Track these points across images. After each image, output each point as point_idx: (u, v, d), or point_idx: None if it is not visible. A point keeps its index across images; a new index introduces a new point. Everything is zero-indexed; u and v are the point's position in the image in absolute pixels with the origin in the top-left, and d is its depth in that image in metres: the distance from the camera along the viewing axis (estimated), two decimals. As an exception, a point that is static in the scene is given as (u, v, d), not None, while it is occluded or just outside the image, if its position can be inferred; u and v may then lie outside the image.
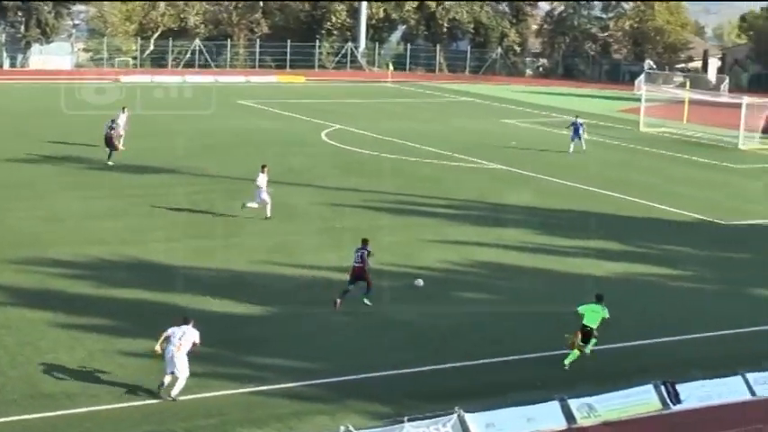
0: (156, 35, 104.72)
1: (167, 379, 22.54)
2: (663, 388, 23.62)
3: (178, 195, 42.06)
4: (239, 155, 52.19)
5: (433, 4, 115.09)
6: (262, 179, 38.81)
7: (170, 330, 22.78)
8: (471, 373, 25.12)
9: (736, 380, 24.50)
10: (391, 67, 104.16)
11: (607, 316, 25.70)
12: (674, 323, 29.50)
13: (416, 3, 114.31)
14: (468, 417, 21.37)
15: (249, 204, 38.65)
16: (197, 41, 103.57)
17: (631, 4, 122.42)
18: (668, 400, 23.52)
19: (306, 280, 31.76)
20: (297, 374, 24.32)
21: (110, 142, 48.47)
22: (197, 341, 22.81)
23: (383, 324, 28.08)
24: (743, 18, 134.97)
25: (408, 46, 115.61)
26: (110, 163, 47.89)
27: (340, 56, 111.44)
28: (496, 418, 21.75)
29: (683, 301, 31.88)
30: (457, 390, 23.79)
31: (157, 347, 22.73)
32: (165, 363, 22.58)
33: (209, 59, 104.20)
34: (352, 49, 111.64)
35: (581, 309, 25.73)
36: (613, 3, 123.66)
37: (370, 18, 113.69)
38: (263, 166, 39.26)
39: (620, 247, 38.01)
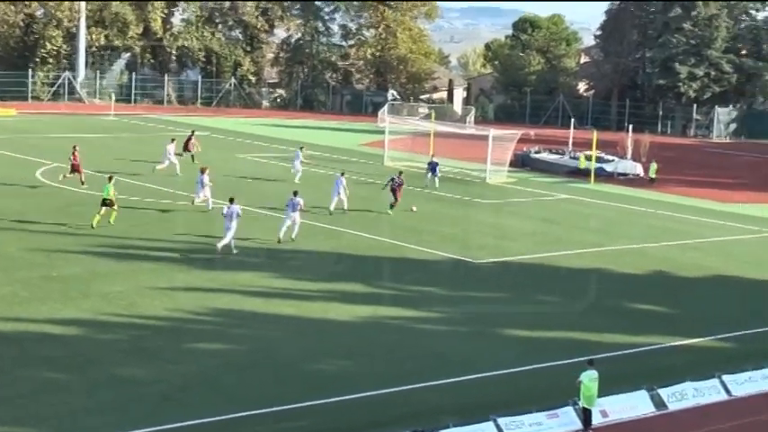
0: None
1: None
2: (413, 439, 23.68)
3: None
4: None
5: (160, 31, 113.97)
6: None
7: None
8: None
9: (488, 425, 24.86)
10: (114, 99, 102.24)
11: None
12: (425, 368, 29.75)
13: (141, 29, 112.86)
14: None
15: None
16: None
17: (373, 31, 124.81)
18: (419, 452, 23.56)
19: (14, 336, 30.32)
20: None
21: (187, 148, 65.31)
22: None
23: (106, 383, 27.05)
24: (488, 47, 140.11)
25: (133, 76, 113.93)
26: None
27: (57, 86, 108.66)
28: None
29: (433, 345, 32.23)
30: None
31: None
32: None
33: None
34: (70, 79, 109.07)
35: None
36: (354, 30, 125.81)
37: (89, 45, 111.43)
38: (343, 173, 53.69)
39: (366, 289, 38.23)
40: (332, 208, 51.56)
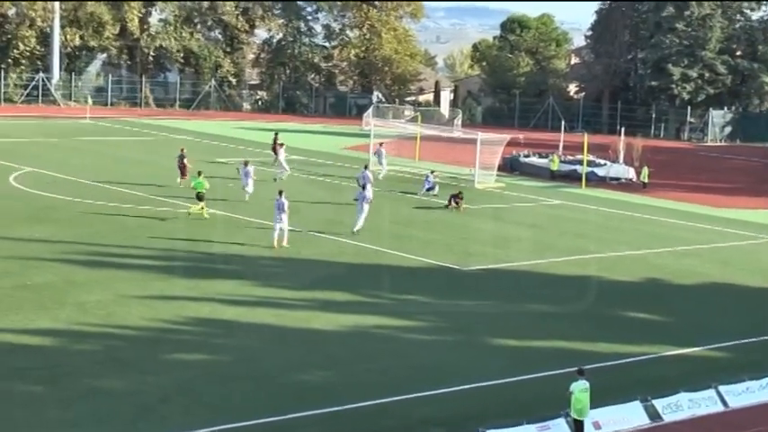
0: None
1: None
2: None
3: None
4: None
5: (137, 31, 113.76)
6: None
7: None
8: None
9: (478, 439, 24.86)
10: (90, 102, 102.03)
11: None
12: (411, 379, 29.73)
13: (117, 29, 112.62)
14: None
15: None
16: None
17: (356, 31, 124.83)
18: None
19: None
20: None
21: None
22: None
23: (82, 395, 26.96)
24: (475, 47, 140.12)
25: (110, 77, 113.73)
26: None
27: (30, 88, 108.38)
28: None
29: (419, 355, 32.22)
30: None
31: None
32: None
33: None
34: (44, 81, 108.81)
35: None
36: (337, 30, 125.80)
37: (64, 46, 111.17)
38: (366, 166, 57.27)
39: (349, 297, 38.19)
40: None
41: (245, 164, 57.10)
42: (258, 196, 54.80)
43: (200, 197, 50.36)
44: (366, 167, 56.63)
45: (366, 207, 48.88)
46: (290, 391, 28.22)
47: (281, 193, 45.59)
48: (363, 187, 50.54)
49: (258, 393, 27.85)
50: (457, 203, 57.68)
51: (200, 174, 51.61)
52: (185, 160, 59.23)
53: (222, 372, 29.45)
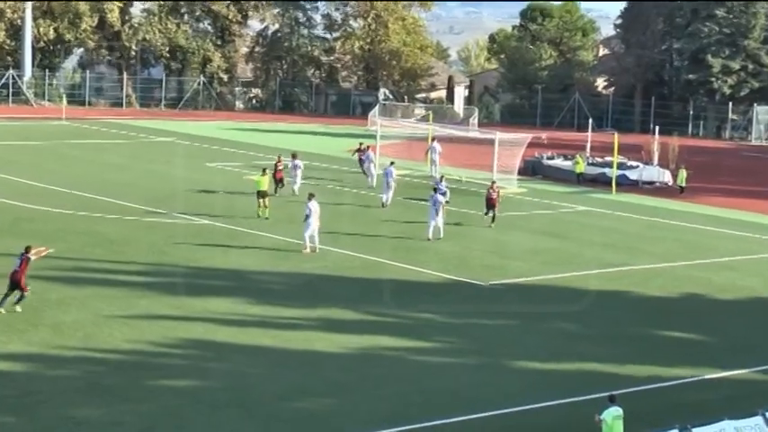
0: None
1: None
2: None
3: None
4: None
5: (117, 23, 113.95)
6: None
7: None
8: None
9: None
10: (65, 101, 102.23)
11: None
12: (423, 406, 29.71)
13: (95, 21, 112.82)
14: None
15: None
16: None
17: (361, 22, 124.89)
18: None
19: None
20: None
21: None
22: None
23: (59, 425, 27.01)
24: (492, 38, 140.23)
25: (87, 74, 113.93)
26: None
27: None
28: None
29: (431, 380, 32.20)
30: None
31: None
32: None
33: None
34: (14, 79, 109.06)
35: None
36: (339, 20, 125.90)
37: (36, 40, 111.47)
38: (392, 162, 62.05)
39: (356, 315, 38.22)
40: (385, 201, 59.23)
41: (293, 156, 62.40)
42: (254, 204, 54.99)
43: (261, 194, 53.95)
44: (392, 163, 61.24)
45: (441, 212, 51.06)
46: (286, 419, 28.23)
47: (311, 196, 47.79)
48: (436, 190, 52.66)
49: (250, 423, 27.87)
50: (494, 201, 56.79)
51: (264, 172, 55.37)
52: (280, 166, 61.63)
53: (211, 399, 29.45)
